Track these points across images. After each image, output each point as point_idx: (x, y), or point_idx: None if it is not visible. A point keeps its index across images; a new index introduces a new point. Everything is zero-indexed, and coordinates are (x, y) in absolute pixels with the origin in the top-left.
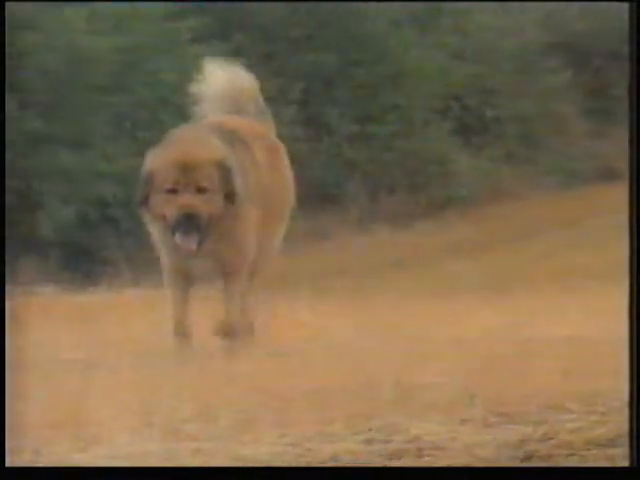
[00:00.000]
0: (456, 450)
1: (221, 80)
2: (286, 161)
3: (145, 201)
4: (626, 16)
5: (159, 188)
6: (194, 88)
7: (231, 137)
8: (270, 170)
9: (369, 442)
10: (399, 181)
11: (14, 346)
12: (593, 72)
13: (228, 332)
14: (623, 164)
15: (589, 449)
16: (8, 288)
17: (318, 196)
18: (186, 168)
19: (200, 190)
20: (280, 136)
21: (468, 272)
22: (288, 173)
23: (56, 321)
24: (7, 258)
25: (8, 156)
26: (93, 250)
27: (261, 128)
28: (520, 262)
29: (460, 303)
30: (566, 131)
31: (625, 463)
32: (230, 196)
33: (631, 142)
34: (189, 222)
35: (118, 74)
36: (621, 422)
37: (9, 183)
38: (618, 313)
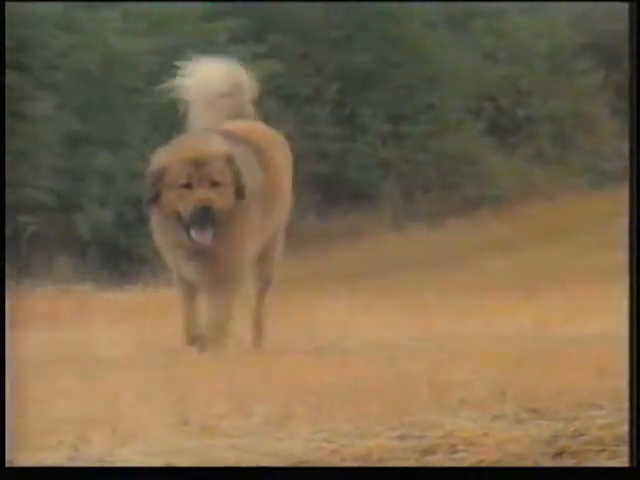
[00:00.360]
0: (488, 446)
1: (215, 81)
2: (290, 160)
3: (155, 199)
4: None
5: (172, 184)
6: (184, 90)
7: (236, 139)
8: (283, 172)
9: (403, 438)
10: (433, 180)
11: (52, 342)
12: (625, 73)
13: (218, 337)
14: None
15: (619, 445)
16: (46, 286)
17: (353, 195)
18: (199, 163)
19: (214, 184)
20: (314, 135)
21: (501, 270)
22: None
23: (93, 318)
24: (44, 257)
25: (46, 157)
26: (130, 249)
27: (270, 130)
28: (552, 260)
29: (493, 301)
30: (597, 131)
31: None
32: (240, 191)
33: (631, 142)
34: (205, 215)
35: (155, 75)
36: None
37: (47, 183)
38: None
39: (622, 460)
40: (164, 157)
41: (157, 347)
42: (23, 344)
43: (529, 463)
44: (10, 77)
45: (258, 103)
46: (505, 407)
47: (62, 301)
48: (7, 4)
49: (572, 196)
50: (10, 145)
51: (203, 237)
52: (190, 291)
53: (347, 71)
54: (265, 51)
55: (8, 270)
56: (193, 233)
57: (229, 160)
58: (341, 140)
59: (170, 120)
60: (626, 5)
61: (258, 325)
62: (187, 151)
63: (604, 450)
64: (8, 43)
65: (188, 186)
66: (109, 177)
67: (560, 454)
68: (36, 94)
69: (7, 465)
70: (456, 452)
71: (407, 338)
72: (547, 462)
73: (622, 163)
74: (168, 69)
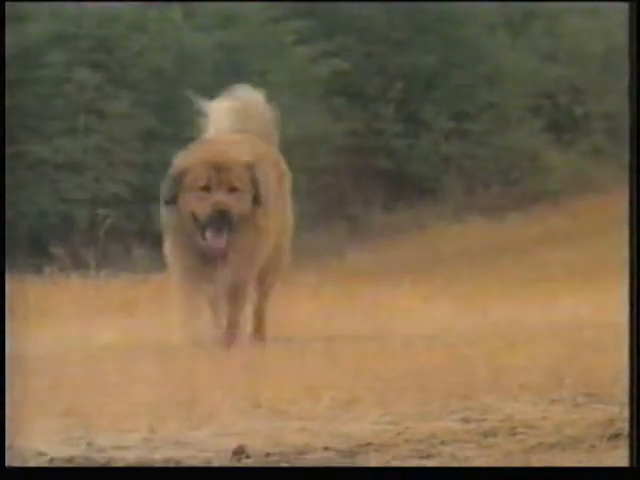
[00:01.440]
0: (546, 429)
1: (226, 98)
2: (287, 176)
3: (173, 200)
4: None
5: (191, 186)
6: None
7: (256, 146)
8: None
9: (465, 421)
10: (493, 175)
11: (130, 328)
12: None
13: (231, 341)
14: None
15: None
16: (123, 276)
17: (417, 189)
18: (219, 168)
19: (232, 190)
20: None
21: (558, 261)
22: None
23: (169, 307)
24: (121, 248)
25: (123, 152)
26: None
27: (273, 153)
28: (607, 251)
29: (550, 290)
30: None
31: None
32: (257, 198)
33: (631, 141)
34: (222, 219)
35: (224, 74)
36: None
37: (124, 177)
38: None
39: None
40: (185, 159)
41: None
42: (102, 331)
43: (585, 446)
44: (89, 76)
45: (326, 100)
46: (563, 391)
47: (140, 290)
48: (7, 4)
49: (627, 190)
50: (89, 142)
51: (218, 240)
52: (193, 292)
53: (410, 71)
54: (332, 50)
55: (87, 261)
56: (208, 236)
57: (249, 167)
58: (405, 137)
59: None
60: None
61: (259, 318)
62: (208, 154)
63: None
64: (87, 43)
65: (207, 189)
66: None
67: (616, 436)
68: (113, 92)
69: (7, 465)
70: (516, 434)
71: (469, 324)
72: (603, 445)
73: None
74: (236, 67)
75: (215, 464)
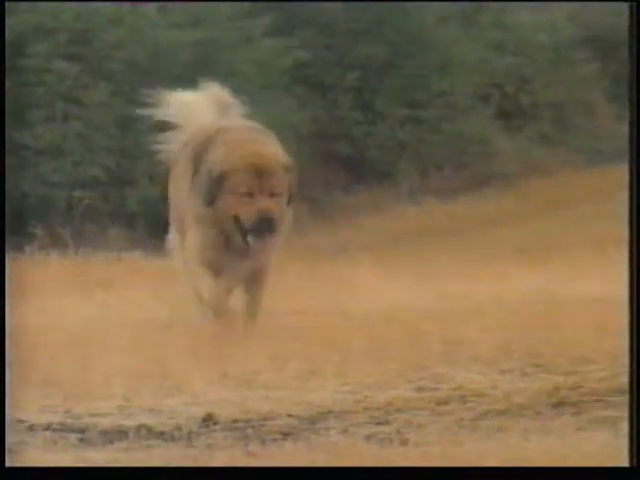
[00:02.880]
0: (496, 397)
1: (195, 93)
2: None
3: (212, 202)
4: None
5: (233, 190)
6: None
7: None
8: None
9: (419, 390)
10: (445, 160)
11: (105, 303)
12: (619, 62)
13: (251, 319)
14: None
15: (614, 396)
16: (99, 254)
17: (374, 173)
18: (262, 173)
19: (273, 195)
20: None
21: (507, 239)
22: None
23: (141, 283)
24: (98, 228)
25: (101, 138)
26: None
27: None
28: (553, 230)
29: (500, 267)
30: (594, 115)
31: None
32: (290, 198)
33: (631, 141)
34: (267, 225)
35: (196, 66)
36: None
37: (100, 161)
38: None
39: (616, 410)
40: (226, 161)
41: (198, 308)
42: (80, 306)
43: (532, 413)
44: (68, 67)
45: (290, 90)
46: (511, 362)
47: (114, 268)
48: (6, 4)
49: (571, 173)
50: (68, 128)
51: (260, 245)
52: (213, 276)
53: (366, 61)
54: (294, 44)
55: (65, 240)
56: (251, 240)
57: (287, 169)
58: (363, 124)
59: None
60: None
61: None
62: (250, 158)
63: (600, 401)
64: (66, 36)
65: (249, 194)
66: (156, 157)
67: (560, 404)
68: (91, 82)
69: (7, 465)
70: (467, 402)
71: (424, 300)
72: (549, 412)
73: (616, 143)
74: (206, 59)
75: (185, 431)
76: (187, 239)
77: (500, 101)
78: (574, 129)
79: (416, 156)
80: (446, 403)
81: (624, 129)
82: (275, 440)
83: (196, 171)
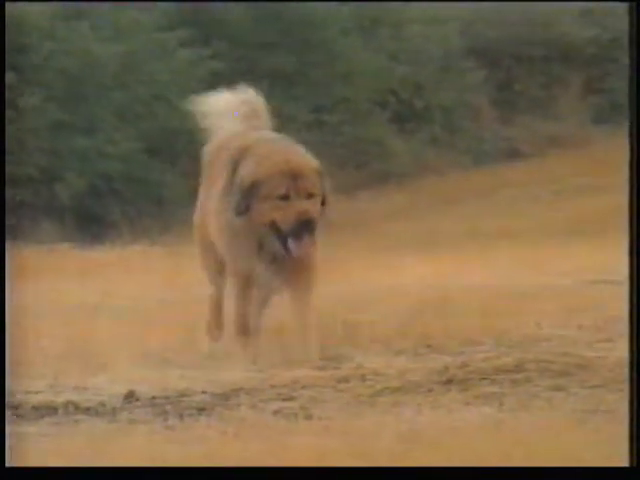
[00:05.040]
0: (392, 375)
1: (229, 96)
2: None
3: (245, 211)
4: (533, 22)
5: (268, 196)
6: (202, 105)
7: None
8: None
9: (322, 369)
10: (347, 159)
11: (38, 292)
12: (503, 71)
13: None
14: (525, 146)
15: (498, 374)
16: (31, 246)
17: None
18: (296, 175)
19: (309, 196)
20: None
21: (402, 233)
22: None
23: (70, 273)
24: (29, 222)
25: (34, 140)
26: (100, 215)
27: None
28: (443, 225)
29: (396, 257)
30: (480, 118)
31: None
32: (324, 201)
33: (631, 141)
34: (306, 227)
35: (121, 74)
36: (523, 353)
37: (34, 161)
38: (522, 265)
39: (500, 386)
40: (257, 170)
41: (122, 295)
42: (16, 294)
43: (424, 390)
44: (7, 75)
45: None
46: (406, 344)
47: (46, 259)
48: (7, 4)
49: (459, 172)
50: (7, 131)
51: (300, 248)
52: (249, 291)
53: (275, 70)
54: (209, 54)
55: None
56: (291, 244)
57: (319, 172)
58: (271, 128)
59: (133, 111)
60: (507, 12)
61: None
62: (282, 164)
63: (485, 378)
64: (8, 47)
65: (286, 198)
66: (85, 156)
67: (449, 381)
68: (27, 89)
69: (7, 465)
70: (365, 380)
71: (327, 287)
72: (439, 388)
73: (500, 145)
74: (131, 70)
75: (108, 407)
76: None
77: (396, 106)
78: (462, 132)
79: (321, 156)
80: (347, 381)
81: (506, 132)
82: (191, 415)
83: (229, 182)
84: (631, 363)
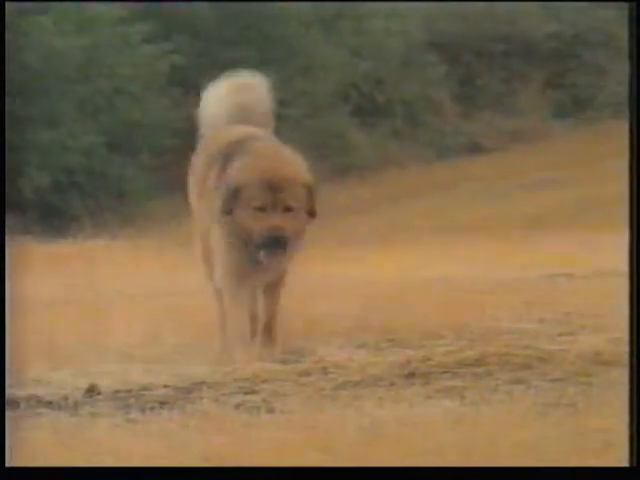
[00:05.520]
0: (353, 369)
1: (223, 88)
2: None
3: (229, 212)
4: (495, 18)
5: (246, 204)
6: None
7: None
8: None
9: (284, 362)
10: (308, 153)
11: None
12: (464, 65)
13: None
14: (486, 140)
15: (459, 368)
16: None
17: None
18: (275, 188)
19: (287, 209)
20: None
21: (364, 226)
22: None
23: (32, 266)
24: None
25: None
26: (62, 209)
27: None
28: (405, 218)
29: (358, 250)
30: (441, 113)
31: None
32: (312, 212)
33: (631, 141)
34: (277, 243)
35: (83, 68)
36: (485, 346)
37: None
38: (483, 259)
39: (461, 380)
40: (241, 173)
41: (84, 288)
42: None
43: (386, 383)
44: None
45: (165, 91)
46: (367, 337)
47: (7, 252)
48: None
49: (421, 166)
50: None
51: (272, 261)
52: (242, 293)
53: (236, 64)
54: (171, 48)
55: None
56: (262, 255)
57: (305, 185)
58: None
59: (95, 104)
60: (468, 7)
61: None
62: (265, 173)
63: (447, 372)
64: None
65: (262, 209)
66: (47, 150)
67: (411, 375)
68: None
69: (7, 465)
70: (327, 374)
71: (286, 279)
72: (401, 382)
73: (462, 139)
74: (93, 63)
75: (70, 400)
76: (212, 244)
77: (357, 100)
78: (424, 126)
79: None
80: (308, 374)
81: (467, 126)
82: (153, 408)
83: (218, 178)
84: (631, 363)
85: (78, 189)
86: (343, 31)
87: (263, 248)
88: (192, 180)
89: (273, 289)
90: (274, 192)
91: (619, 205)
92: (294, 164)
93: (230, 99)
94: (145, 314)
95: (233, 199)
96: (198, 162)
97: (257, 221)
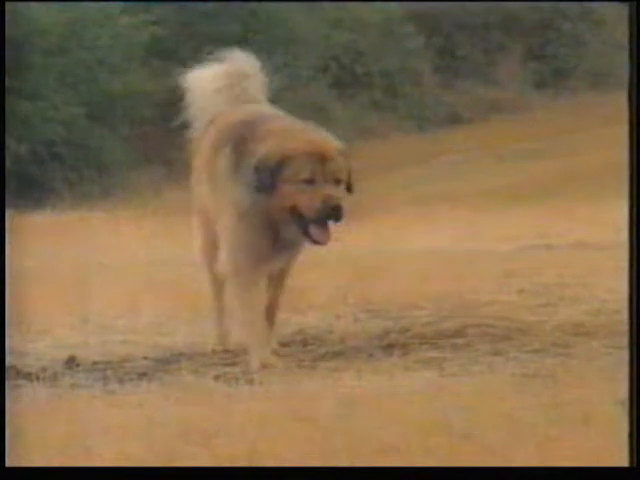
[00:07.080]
0: (332, 340)
1: (212, 71)
2: None
3: (268, 189)
4: None
5: (291, 179)
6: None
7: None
8: None
9: None
10: None
11: None
12: (443, 37)
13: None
14: (466, 111)
15: (439, 339)
16: None
17: None
18: (324, 159)
19: (337, 181)
20: None
21: (344, 199)
22: None
23: (11, 238)
24: None
25: None
26: (42, 180)
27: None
28: (383, 190)
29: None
30: (421, 84)
31: (468, 354)
32: (350, 187)
33: (631, 141)
34: (333, 213)
35: (64, 40)
36: (464, 318)
37: None
38: (462, 231)
39: (440, 351)
40: (281, 149)
41: (62, 260)
42: None
43: (365, 355)
44: None
45: (146, 62)
46: (346, 309)
47: None
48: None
49: (401, 137)
50: None
51: (323, 235)
52: (258, 283)
53: (218, 36)
54: (152, 20)
55: None
56: (313, 231)
57: (346, 156)
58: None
59: (76, 76)
60: None
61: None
62: (309, 145)
63: (426, 343)
64: None
65: (311, 182)
66: (27, 121)
67: (390, 347)
68: None
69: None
70: (307, 345)
71: None
72: (380, 353)
73: (442, 110)
74: (74, 36)
75: (49, 372)
76: (226, 241)
77: (337, 72)
78: (404, 97)
79: None
80: (288, 346)
81: (447, 97)
82: (132, 380)
83: (238, 164)
84: (631, 359)
85: (58, 160)
86: (324, 4)
87: (315, 222)
88: (197, 164)
89: (281, 275)
90: (323, 163)
91: (599, 176)
92: (329, 137)
93: (227, 90)
94: (124, 285)
95: (273, 175)
96: (204, 145)
97: (306, 194)
